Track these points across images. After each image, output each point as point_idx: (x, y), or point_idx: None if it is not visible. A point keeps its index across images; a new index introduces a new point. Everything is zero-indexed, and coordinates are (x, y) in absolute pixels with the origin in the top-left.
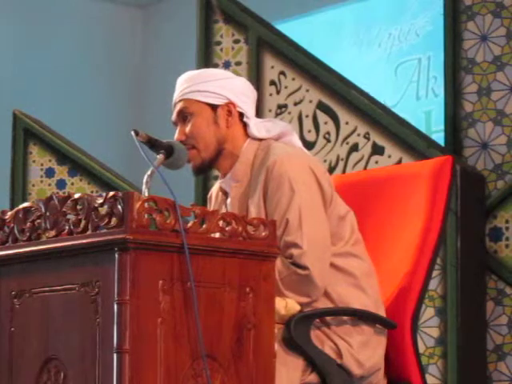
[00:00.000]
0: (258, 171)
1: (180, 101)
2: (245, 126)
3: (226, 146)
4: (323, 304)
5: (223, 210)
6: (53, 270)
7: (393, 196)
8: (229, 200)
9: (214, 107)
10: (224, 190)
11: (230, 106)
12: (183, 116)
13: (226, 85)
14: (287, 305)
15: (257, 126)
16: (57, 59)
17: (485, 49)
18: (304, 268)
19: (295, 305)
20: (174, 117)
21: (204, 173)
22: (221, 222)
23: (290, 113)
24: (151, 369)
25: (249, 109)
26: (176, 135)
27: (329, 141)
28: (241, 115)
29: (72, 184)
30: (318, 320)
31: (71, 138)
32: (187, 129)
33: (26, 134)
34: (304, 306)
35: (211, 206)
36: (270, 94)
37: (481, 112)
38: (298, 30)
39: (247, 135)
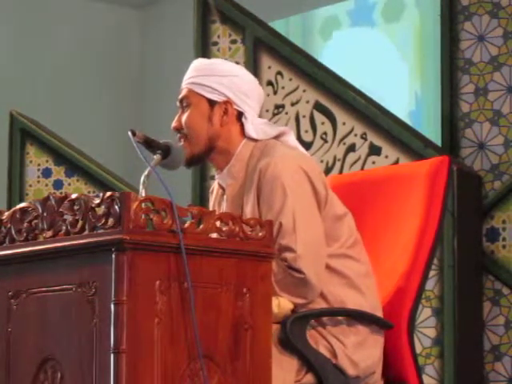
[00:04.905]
0: (253, 170)
1: (184, 88)
2: (243, 125)
3: (218, 143)
4: (318, 304)
5: (223, 205)
6: (50, 270)
7: (390, 196)
8: (225, 197)
9: (211, 103)
10: (221, 185)
11: (227, 104)
12: (183, 104)
13: (228, 83)
14: (280, 303)
15: (255, 128)
16: (55, 59)
17: (482, 49)
18: (299, 272)
19: (288, 303)
20: (178, 102)
21: (194, 165)
22: (218, 223)
23: (287, 113)
24: (148, 369)
25: (249, 109)
26: (173, 122)
27: (326, 141)
28: (240, 114)
29: (69, 184)
30: (313, 320)
31: (69, 138)
32: (183, 118)
33: (23, 134)
34: (299, 307)
35: (212, 201)
36: (267, 95)
37: (478, 112)
38: (293, 28)
39: (244, 135)
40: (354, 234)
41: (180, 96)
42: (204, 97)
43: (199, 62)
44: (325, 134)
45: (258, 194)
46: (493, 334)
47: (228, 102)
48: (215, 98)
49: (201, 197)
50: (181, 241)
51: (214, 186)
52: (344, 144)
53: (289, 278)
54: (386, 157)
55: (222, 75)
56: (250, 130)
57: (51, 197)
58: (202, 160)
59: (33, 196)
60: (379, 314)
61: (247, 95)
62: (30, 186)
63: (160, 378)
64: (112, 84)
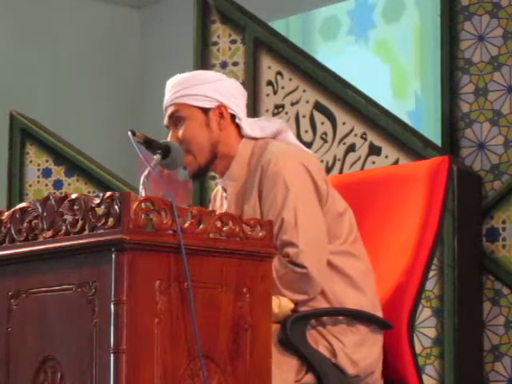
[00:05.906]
0: (254, 170)
1: (171, 105)
2: (238, 127)
3: (219, 148)
4: (319, 303)
5: (224, 205)
6: (50, 270)
7: (389, 196)
8: (227, 196)
9: (205, 111)
10: (224, 188)
11: (221, 108)
12: (175, 120)
13: (217, 87)
14: (281, 303)
15: (250, 126)
16: (54, 59)
17: (482, 49)
18: (301, 267)
19: (289, 303)
20: (165, 120)
21: (201, 177)
22: (218, 223)
23: (286, 113)
24: (148, 369)
25: (240, 110)
26: (168, 140)
27: (326, 141)
28: (233, 117)
29: (69, 184)
30: (313, 319)
31: (68, 138)
32: (180, 133)
33: (23, 134)
34: (300, 305)
35: (213, 205)
36: (267, 95)
37: (478, 112)
38: (293, 28)
39: (241, 136)
40: (354, 231)
41: (168, 114)
42: (196, 107)
43: (179, 77)
44: (325, 134)
45: (260, 190)
46: (493, 334)
47: (222, 106)
48: (208, 105)
49: (201, 197)
50: (181, 241)
51: (216, 192)
52: (344, 144)
53: (291, 273)
54: (386, 157)
55: (209, 82)
56: (247, 128)
57: (51, 197)
58: (207, 170)
59: (33, 196)
60: (379, 312)
61: (236, 97)
62: (30, 186)
63: (160, 378)
64: (112, 84)
